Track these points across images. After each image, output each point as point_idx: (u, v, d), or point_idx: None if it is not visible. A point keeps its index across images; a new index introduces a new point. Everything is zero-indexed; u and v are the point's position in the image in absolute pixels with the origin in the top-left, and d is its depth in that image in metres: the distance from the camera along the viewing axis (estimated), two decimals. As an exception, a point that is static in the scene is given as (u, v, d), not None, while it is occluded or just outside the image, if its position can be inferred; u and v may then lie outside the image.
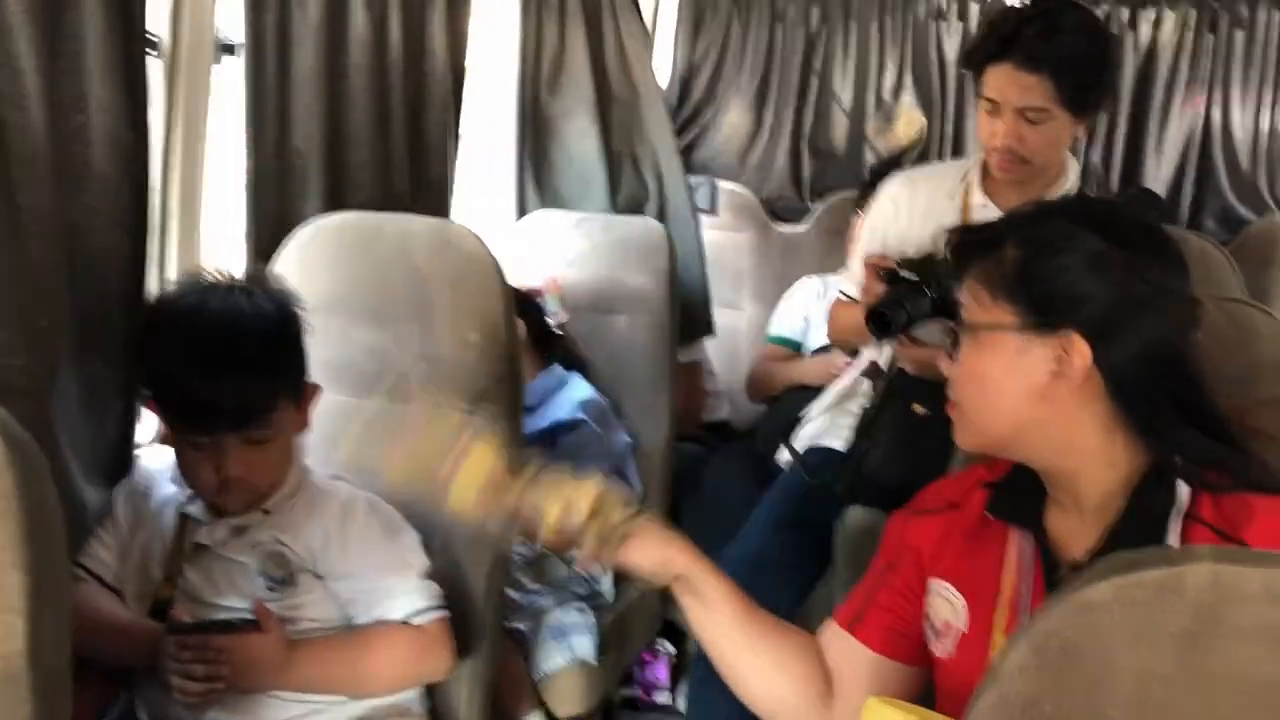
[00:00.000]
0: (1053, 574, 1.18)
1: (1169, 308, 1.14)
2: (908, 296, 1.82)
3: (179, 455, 1.48)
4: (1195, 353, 1.16)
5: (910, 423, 1.99)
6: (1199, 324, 1.18)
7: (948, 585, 1.24)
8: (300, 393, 1.53)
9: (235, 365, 1.42)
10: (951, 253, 1.26)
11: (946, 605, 1.23)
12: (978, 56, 1.94)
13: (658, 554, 1.26)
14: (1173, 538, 1.10)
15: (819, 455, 2.26)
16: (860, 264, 2.11)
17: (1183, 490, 1.12)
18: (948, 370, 1.23)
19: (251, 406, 1.44)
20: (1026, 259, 1.16)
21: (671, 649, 2.75)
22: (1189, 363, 1.15)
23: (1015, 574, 1.20)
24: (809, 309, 3.04)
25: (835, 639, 1.31)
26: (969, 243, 1.25)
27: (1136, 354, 1.13)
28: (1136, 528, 1.12)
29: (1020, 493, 1.23)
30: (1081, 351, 1.13)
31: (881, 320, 1.82)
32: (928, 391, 2.00)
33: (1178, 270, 1.17)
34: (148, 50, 1.55)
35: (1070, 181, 2.02)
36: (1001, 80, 1.89)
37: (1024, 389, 1.15)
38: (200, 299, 1.45)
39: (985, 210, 1.98)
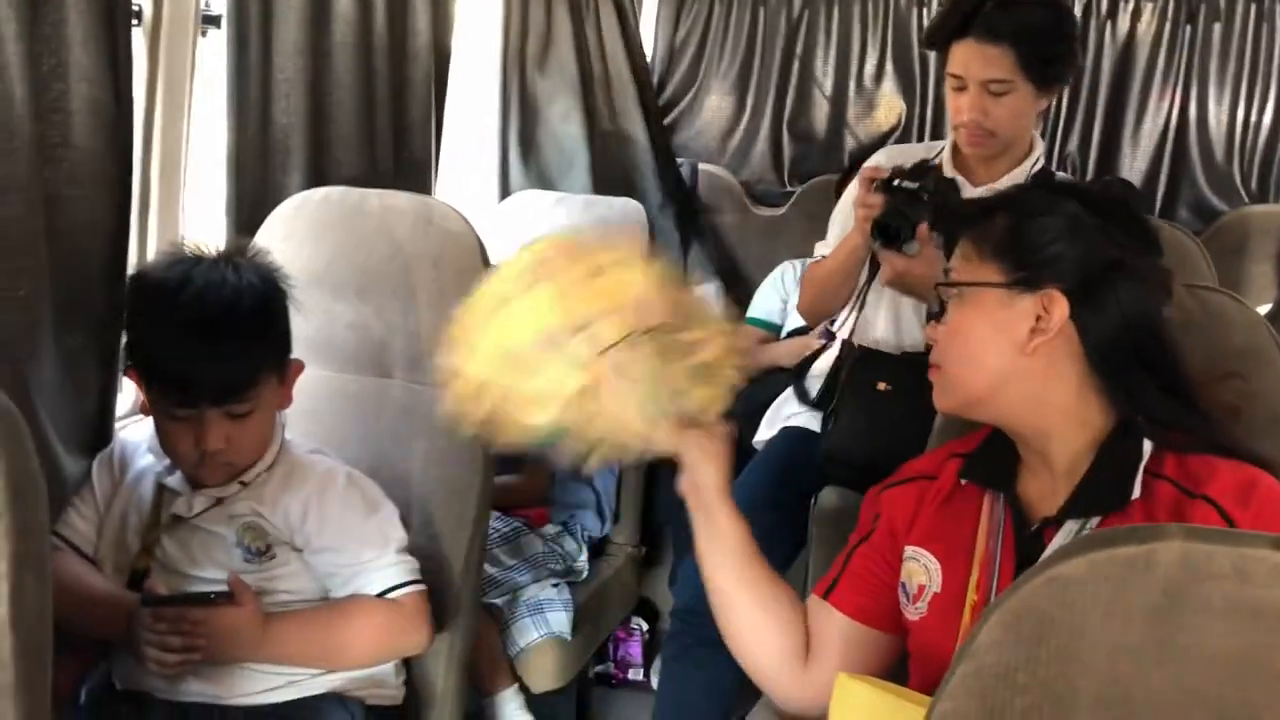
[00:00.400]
0: (1021, 534, 1.22)
1: (1143, 275, 1.20)
2: (907, 204, 1.87)
3: (159, 427, 1.47)
4: (1167, 321, 1.22)
5: (873, 399, 2.02)
6: (1170, 295, 1.24)
7: (922, 550, 1.28)
8: (284, 367, 1.53)
9: (219, 338, 1.42)
10: (944, 222, 1.33)
11: (921, 570, 1.27)
12: (942, 35, 1.99)
13: (705, 460, 1.29)
14: (1135, 491, 1.15)
15: (793, 435, 2.28)
16: (835, 233, 2.13)
17: (1147, 447, 1.18)
18: (932, 334, 1.29)
19: (234, 380, 1.43)
20: (1014, 223, 1.23)
21: (645, 626, 2.78)
22: (1161, 328, 1.21)
23: (987, 534, 1.24)
24: (787, 292, 3.05)
25: (813, 607, 1.34)
26: (962, 214, 1.32)
27: (1112, 314, 1.19)
28: (1103, 481, 1.18)
29: (993, 459, 1.28)
30: (1060, 306, 1.19)
31: (886, 230, 1.85)
32: (889, 368, 2.04)
33: (1150, 244, 1.24)
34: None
35: (1036, 159, 2.06)
36: (965, 55, 1.94)
37: (1005, 343, 1.20)
38: (186, 271, 1.44)
39: (961, 184, 2.01)
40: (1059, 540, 1.17)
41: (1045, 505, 1.22)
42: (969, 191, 2.03)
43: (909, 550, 1.30)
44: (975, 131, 1.97)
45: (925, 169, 1.94)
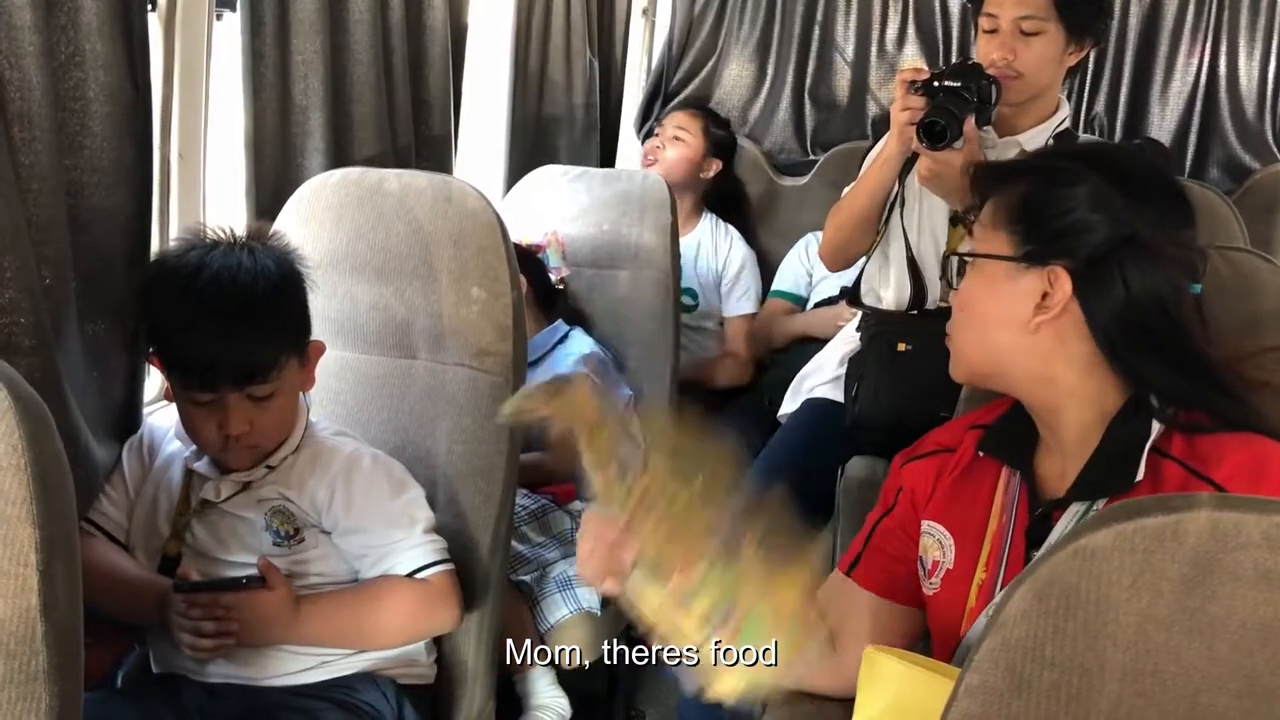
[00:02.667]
0: (1033, 512, 1.20)
1: (1165, 255, 1.15)
2: (953, 102, 1.85)
3: (182, 412, 1.48)
4: (1187, 300, 1.17)
5: (895, 360, 2.01)
6: (1200, 275, 1.18)
7: (938, 525, 1.27)
8: (304, 349, 1.53)
9: (236, 322, 1.42)
10: (971, 184, 1.29)
11: (935, 544, 1.26)
12: None
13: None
14: (1140, 473, 1.12)
15: (817, 406, 2.27)
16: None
17: (1155, 428, 1.14)
18: (953, 300, 1.27)
19: (253, 363, 1.44)
20: (1032, 192, 1.19)
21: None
22: (1177, 309, 1.16)
23: (1001, 510, 1.22)
24: (811, 264, 3.03)
25: (837, 584, 1.33)
26: (988, 176, 1.28)
27: (1121, 296, 1.14)
28: (1108, 460, 1.15)
29: (1012, 433, 1.26)
30: (1063, 287, 1.16)
31: (933, 129, 1.84)
32: (910, 329, 2.03)
33: (1182, 219, 1.19)
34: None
35: (1062, 119, 2.04)
36: None
37: (1007, 318, 1.18)
38: (203, 256, 1.44)
39: (986, 135, 1.99)
40: (1064, 523, 1.15)
41: (1057, 484, 1.20)
42: (993, 142, 2.01)
43: (925, 524, 1.29)
44: (1004, 73, 1.95)
45: (967, 68, 1.93)
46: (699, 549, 1.08)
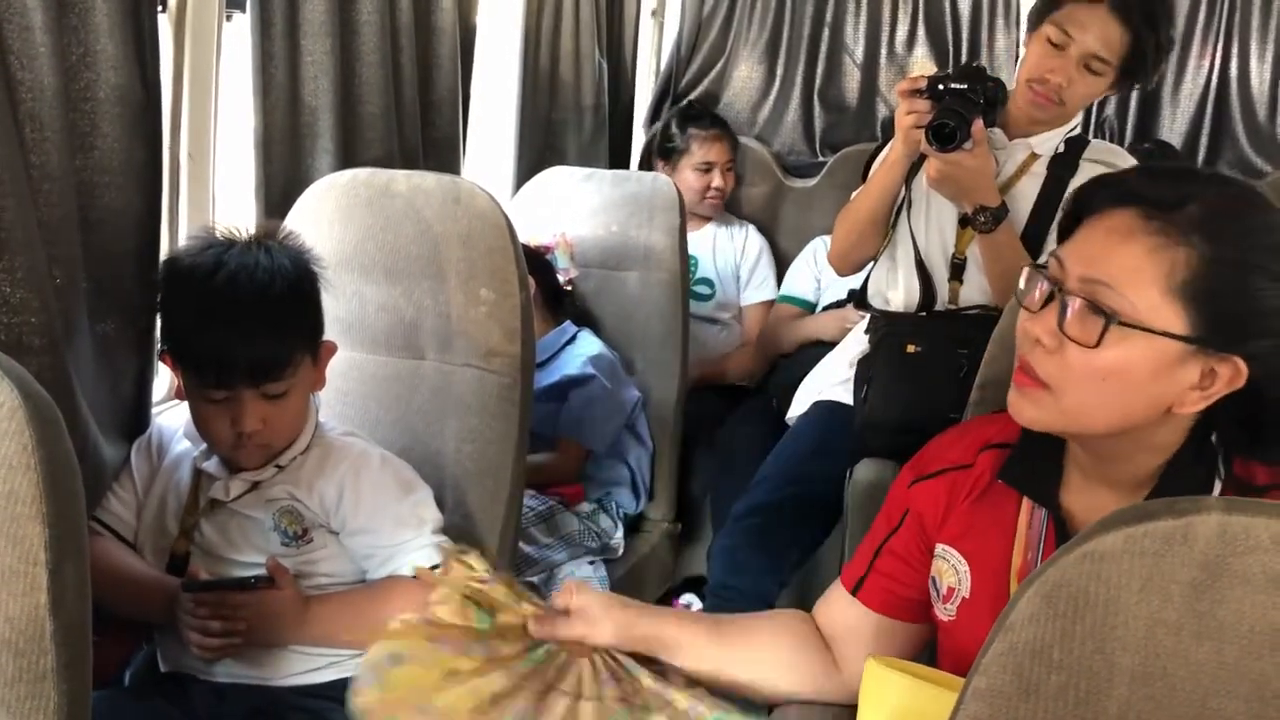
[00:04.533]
0: None
1: None
2: (961, 104, 1.84)
3: (195, 410, 1.49)
4: None
5: (904, 362, 2.01)
6: None
7: (952, 550, 1.22)
8: (318, 348, 1.54)
9: (254, 320, 1.43)
10: (1105, 188, 1.09)
11: (950, 570, 1.22)
12: None
13: (608, 624, 1.23)
14: None
15: (826, 409, 2.27)
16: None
17: (1219, 476, 1.08)
18: (1034, 330, 1.07)
19: (269, 360, 1.44)
20: (1220, 256, 1.00)
21: (698, 603, 2.75)
22: None
23: (1026, 546, 1.16)
24: (820, 269, 3.03)
25: (839, 600, 1.31)
26: (1135, 184, 1.07)
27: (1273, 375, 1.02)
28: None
29: (1035, 462, 1.17)
30: (1239, 377, 1.01)
31: (941, 131, 1.83)
32: (919, 330, 2.03)
33: None
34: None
35: (1074, 125, 2.03)
36: (1088, 19, 1.89)
37: (1161, 398, 1.03)
38: (220, 254, 1.45)
39: (994, 135, 1.99)
40: None
41: (1094, 519, 1.15)
42: (1002, 143, 2.00)
43: (940, 548, 1.23)
44: (1050, 97, 1.94)
45: (972, 70, 1.92)
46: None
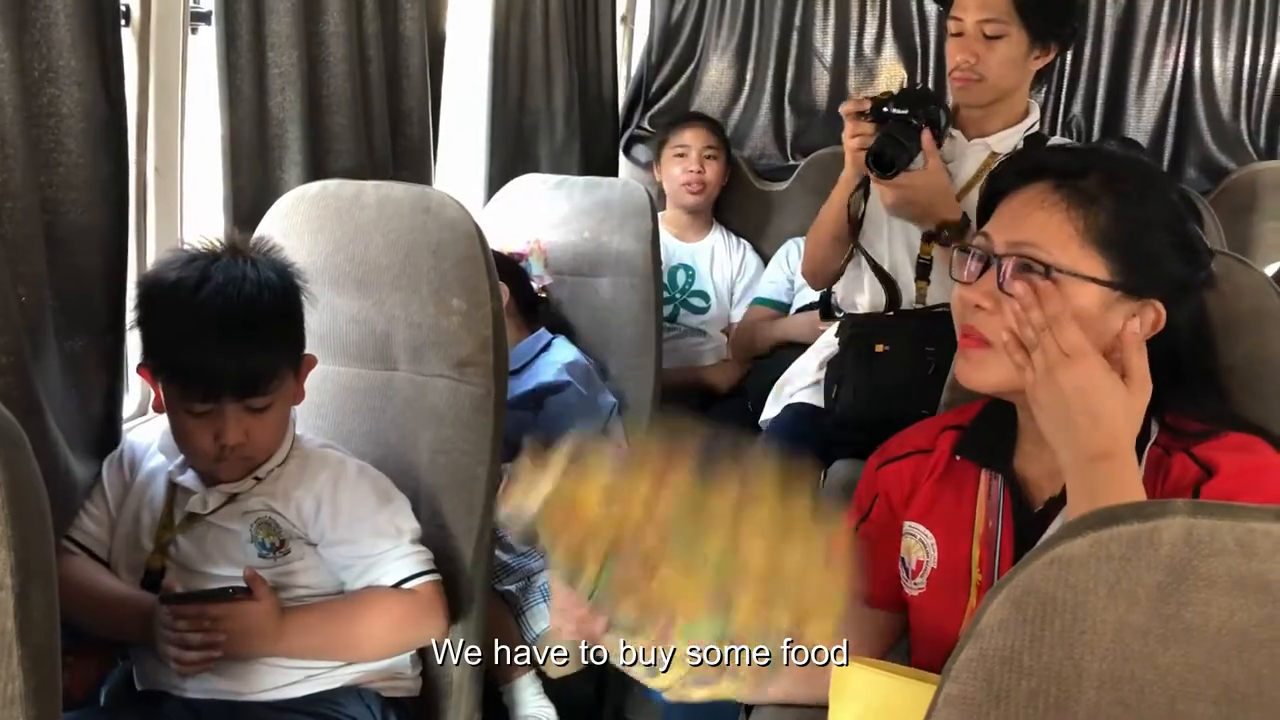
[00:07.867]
0: (1021, 515, 1.20)
1: (1213, 281, 1.16)
2: (901, 131, 1.87)
3: (176, 424, 1.48)
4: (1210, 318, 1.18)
5: (873, 360, 2.03)
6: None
7: (919, 526, 1.28)
8: (299, 361, 1.54)
9: (243, 333, 1.43)
10: (1022, 167, 1.21)
11: (918, 545, 1.27)
12: None
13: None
14: (1141, 469, 1.12)
15: (799, 410, 2.27)
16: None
17: (1154, 427, 1.15)
18: (970, 297, 1.17)
19: (256, 374, 1.44)
20: (1123, 212, 1.13)
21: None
22: (1209, 330, 1.17)
23: (986, 513, 1.22)
24: (793, 270, 3.04)
25: None
26: (1048, 162, 1.19)
27: (1186, 325, 1.14)
28: None
29: (989, 435, 1.25)
30: (1158, 320, 1.12)
31: (881, 158, 1.85)
32: (887, 330, 2.05)
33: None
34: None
35: (1032, 123, 2.07)
36: None
37: (1096, 344, 1.11)
38: (204, 268, 1.44)
39: (954, 137, 2.04)
40: (1061, 521, 1.16)
41: (1049, 483, 1.20)
42: (962, 145, 2.03)
43: (908, 525, 1.29)
44: (967, 75, 1.99)
45: (915, 95, 1.95)
46: (685, 611, 1.03)
